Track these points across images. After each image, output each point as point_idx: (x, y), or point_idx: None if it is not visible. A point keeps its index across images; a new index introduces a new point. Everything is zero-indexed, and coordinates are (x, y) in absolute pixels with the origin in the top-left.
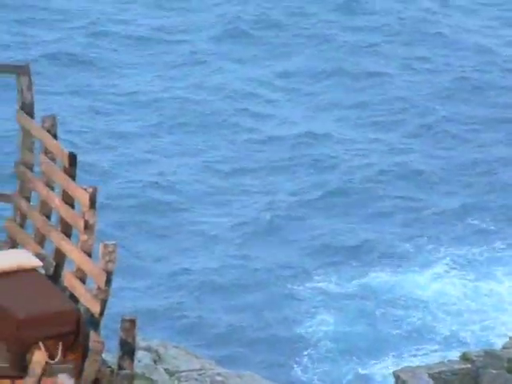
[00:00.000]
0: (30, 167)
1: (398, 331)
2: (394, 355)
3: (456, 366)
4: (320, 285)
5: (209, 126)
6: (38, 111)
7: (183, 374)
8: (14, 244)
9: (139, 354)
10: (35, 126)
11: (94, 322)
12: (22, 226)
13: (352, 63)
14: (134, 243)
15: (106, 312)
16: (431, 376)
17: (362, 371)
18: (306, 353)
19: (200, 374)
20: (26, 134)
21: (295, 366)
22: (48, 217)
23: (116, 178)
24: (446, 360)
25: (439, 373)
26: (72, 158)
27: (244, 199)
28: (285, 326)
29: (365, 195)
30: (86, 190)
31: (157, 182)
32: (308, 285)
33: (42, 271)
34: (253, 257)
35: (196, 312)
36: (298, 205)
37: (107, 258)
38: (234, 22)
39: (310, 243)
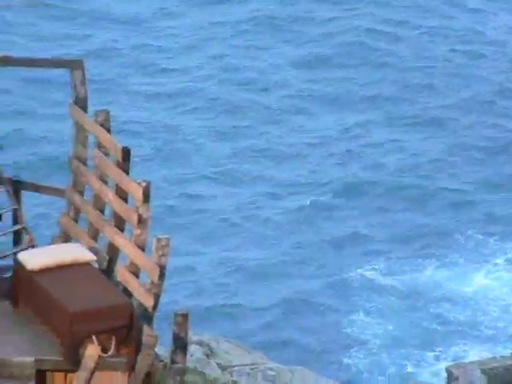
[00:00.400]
0: (84, 161)
1: (446, 326)
2: (441, 350)
3: (508, 362)
4: (368, 277)
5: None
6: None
7: (235, 368)
8: (67, 238)
9: (191, 348)
10: (88, 121)
11: (147, 316)
12: (75, 220)
13: None
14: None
15: (158, 306)
16: (483, 372)
17: (411, 367)
18: (353, 347)
19: (252, 369)
20: (80, 128)
21: (344, 359)
22: (101, 211)
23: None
24: (498, 356)
25: (491, 369)
26: (125, 152)
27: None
28: (333, 319)
29: (414, 187)
30: (139, 184)
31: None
32: (356, 277)
33: (96, 265)
34: (302, 245)
35: (246, 306)
36: (344, 193)
37: (160, 252)
38: None
39: (355, 234)
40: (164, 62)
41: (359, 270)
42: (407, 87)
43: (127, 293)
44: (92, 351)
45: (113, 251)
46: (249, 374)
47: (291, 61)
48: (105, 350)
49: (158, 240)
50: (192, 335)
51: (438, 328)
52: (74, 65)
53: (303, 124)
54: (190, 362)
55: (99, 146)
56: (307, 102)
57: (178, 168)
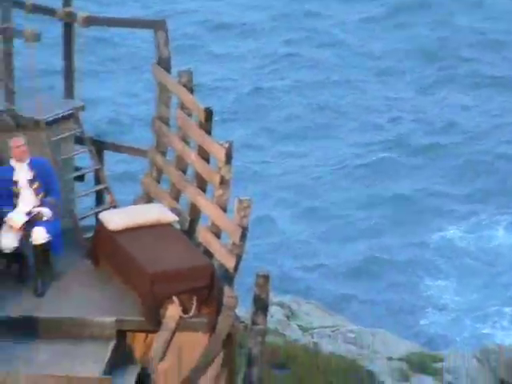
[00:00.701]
0: (166, 122)
1: None
2: None
3: None
4: (447, 237)
5: None
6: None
7: (316, 330)
8: (149, 199)
9: (272, 310)
10: (172, 81)
11: (228, 277)
12: (157, 180)
13: None
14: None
15: (239, 267)
16: None
17: (487, 329)
18: (431, 308)
19: (333, 331)
20: (163, 88)
21: (421, 321)
22: (184, 172)
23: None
24: None
25: None
26: (208, 113)
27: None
28: (411, 281)
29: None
30: (221, 145)
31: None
32: (434, 238)
33: (177, 226)
34: (378, 201)
35: (326, 265)
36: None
37: (242, 214)
38: None
39: (434, 193)
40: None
41: (438, 232)
42: None
43: (208, 254)
44: (173, 312)
45: (194, 212)
46: (329, 336)
47: None
48: (186, 310)
49: (240, 201)
50: (273, 296)
51: None
52: (157, 25)
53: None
54: (271, 324)
55: (182, 106)
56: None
57: (259, 128)
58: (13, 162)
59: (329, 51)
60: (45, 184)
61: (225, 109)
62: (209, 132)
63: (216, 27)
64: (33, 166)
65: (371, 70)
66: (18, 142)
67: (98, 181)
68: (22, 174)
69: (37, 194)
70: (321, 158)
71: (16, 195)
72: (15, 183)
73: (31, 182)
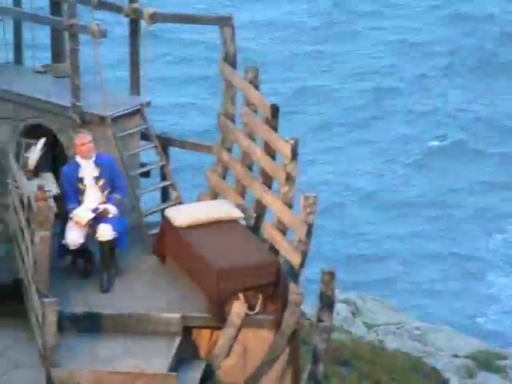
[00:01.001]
0: (232, 118)
1: None
2: None
3: None
4: (506, 237)
5: None
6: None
7: (381, 327)
8: (215, 195)
9: (337, 307)
10: (237, 78)
11: (294, 274)
12: (223, 177)
13: None
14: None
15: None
16: None
17: None
18: (492, 307)
19: (398, 328)
20: (229, 85)
21: (484, 320)
22: (249, 168)
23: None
24: None
25: None
26: (274, 109)
27: None
28: (474, 277)
29: None
30: (287, 141)
31: None
32: (493, 237)
33: (243, 222)
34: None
35: (391, 266)
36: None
37: (308, 210)
38: None
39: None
40: None
41: (500, 230)
42: None
43: (274, 250)
44: (238, 308)
45: (260, 208)
46: (394, 332)
47: None
48: (251, 307)
49: (306, 197)
50: (338, 293)
51: None
52: (223, 21)
53: None
54: (336, 321)
55: (248, 103)
56: None
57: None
58: (78, 159)
59: None
60: (110, 181)
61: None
62: (275, 128)
63: None
64: (98, 162)
65: None
66: (84, 139)
67: (163, 177)
68: (88, 170)
69: (102, 191)
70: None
71: (82, 192)
72: (81, 180)
73: (97, 179)
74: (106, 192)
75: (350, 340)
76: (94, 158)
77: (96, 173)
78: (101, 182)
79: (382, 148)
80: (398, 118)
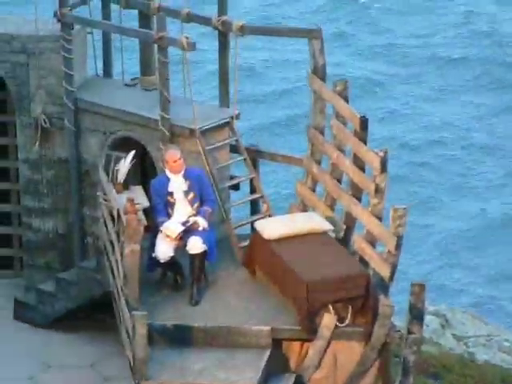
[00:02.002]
0: (321, 131)
1: None
2: None
3: None
4: None
5: None
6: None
7: (471, 339)
8: (304, 207)
9: (427, 319)
10: (327, 90)
11: (384, 286)
12: (312, 189)
13: None
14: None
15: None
16: None
17: None
18: None
19: (488, 340)
20: (318, 97)
21: None
22: (339, 180)
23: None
24: None
25: None
26: (363, 121)
27: None
28: None
29: None
30: (377, 153)
31: None
32: None
33: (333, 235)
34: None
35: (477, 272)
36: None
37: (398, 222)
38: None
39: None
40: None
41: None
42: None
43: (363, 262)
44: (328, 320)
45: (349, 220)
46: (484, 345)
47: None
48: (341, 319)
49: (396, 210)
50: (428, 305)
51: None
52: (312, 34)
53: None
54: (426, 333)
55: (337, 115)
56: None
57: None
58: (168, 173)
59: None
60: (200, 194)
61: None
62: (364, 140)
63: None
64: (188, 176)
65: None
66: (174, 156)
67: (253, 189)
68: (178, 184)
69: (192, 205)
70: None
71: (171, 206)
72: (171, 194)
73: (186, 192)
74: (195, 205)
75: (440, 352)
76: (183, 172)
77: (185, 186)
78: (190, 196)
79: None
80: None
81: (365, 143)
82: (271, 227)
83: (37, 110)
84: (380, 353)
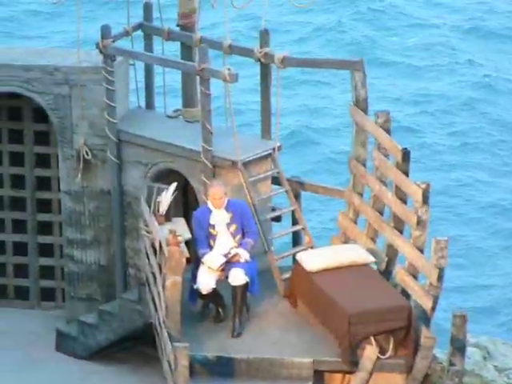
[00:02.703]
0: (363, 162)
1: None
2: None
3: None
4: None
5: None
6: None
7: None
8: (346, 239)
9: (468, 351)
10: (369, 122)
11: (426, 318)
12: (354, 221)
13: None
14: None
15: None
16: None
17: None
18: None
19: None
20: (360, 129)
21: None
22: (380, 212)
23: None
24: None
25: None
26: (406, 153)
27: None
28: None
29: None
30: (419, 186)
31: None
32: None
33: (375, 266)
34: None
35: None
36: None
37: (439, 254)
38: None
39: None
40: None
41: None
42: None
43: (405, 294)
44: (370, 352)
45: (391, 252)
46: None
47: None
48: (383, 351)
49: (437, 242)
50: (469, 337)
51: None
52: (355, 66)
53: None
54: (468, 365)
55: (379, 147)
56: None
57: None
58: (210, 205)
59: None
60: (242, 226)
61: None
62: (406, 172)
63: None
64: (230, 208)
65: None
66: (218, 193)
67: (294, 221)
68: (220, 217)
69: (234, 237)
70: None
71: (213, 237)
72: (212, 226)
73: (229, 224)
74: (237, 237)
75: None
76: (225, 204)
77: (228, 219)
78: (232, 228)
79: None
80: None
81: (407, 175)
82: (313, 259)
83: (79, 141)
84: None
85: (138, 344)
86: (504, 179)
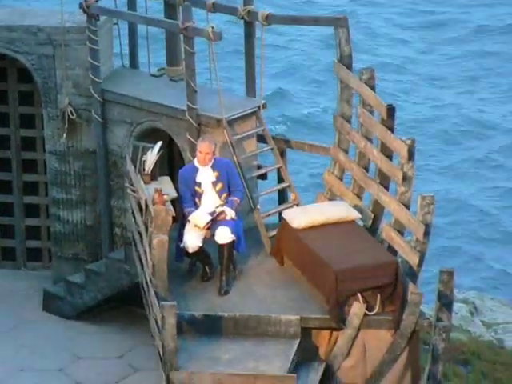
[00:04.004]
0: (348, 119)
1: None
2: None
3: None
4: None
5: None
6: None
7: (500, 326)
8: (332, 196)
9: (455, 306)
10: (353, 79)
11: (412, 274)
12: (340, 178)
13: None
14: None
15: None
16: None
17: None
18: None
19: None
20: (344, 86)
21: None
22: (366, 169)
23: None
24: None
25: None
26: (390, 110)
27: None
28: None
29: None
30: (404, 141)
31: None
32: None
33: (361, 223)
34: None
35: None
36: None
37: (425, 210)
38: None
39: None
40: None
41: None
42: None
43: (392, 250)
44: (357, 309)
45: (377, 209)
46: None
47: None
48: (370, 307)
49: (423, 198)
50: (456, 293)
51: None
52: (338, 22)
53: None
54: (455, 320)
55: (364, 103)
56: None
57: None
58: (196, 163)
59: None
60: (228, 184)
61: None
62: (391, 129)
63: None
64: (216, 166)
65: None
66: (206, 148)
67: (280, 179)
68: (206, 175)
69: (220, 195)
70: None
71: (199, 196)
72: (198, 184)
73: (215, 183)
74: (223, 196)
75: (469, 339)
76: (211, 163)
77: (213, 177)
78: (218, 186)
79: None
80: None
81: (392, 131)
82: (299, 216)
83: (64, 101)
84: (409, 341)
85: (124, 303)
86: None
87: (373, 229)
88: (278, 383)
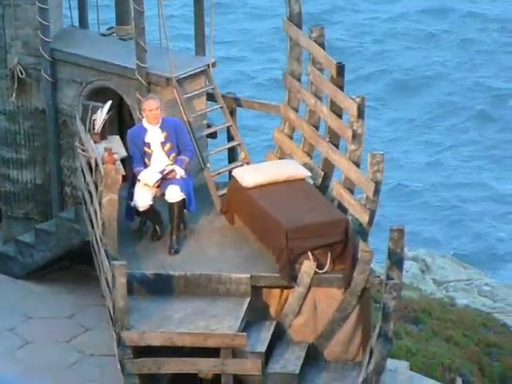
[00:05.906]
0: (298, 77)
1: None
2: None
3: None
4: None
5: None
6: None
7: (451, 284)
8: (282, 154)
9: (406, 264)
10: (303, 37)
11: (363, 232)
12: (290, 136)
13: None
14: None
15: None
16: None
17: None
18: None
19: (467, 284)
20: (294, 43)
21: None
22: (316, 127)
23: None
24: None
25: None
26: (340, 67)
27: None
28: None
29: None
30: (354, 100)
31: None
32: None
33: (311, 181)
34: None
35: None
36: None
37: (375, 168)
38: None
39: None
40: None
41: None
42: None
43: (342, 208)
44: (308, 267)
45: (327, 167)
46: (464, 289)
47: None
48: (320, 265)
49: (373, 155)
50: (407, 251)
51: None
52: None
53: None
54: (405, 278)
55: (314, 61)
56: None
57: None
58: (145, 123)
59: None
60: (177, 143)
61: None
62: (341, 87)
63: None
64: (165, 126)
65: None
66: (152, 105)
67: (230, 137)
68: (154, 135)
69: (169, 156)
70: None
71: (148, 156)
72: (147, 144)
73: (163, 143)
74: (172, 156)
75: (420, 297)
76: (160, 123)
77: (162, 137)
78: (167, 147)
79: None
80: None
81: (342, 89)
82: (249, 175)
83: (13, 61)
84: (360, 299)
85: (75, 263)
86: None
87: (323, 187)
88: (228, 341)
